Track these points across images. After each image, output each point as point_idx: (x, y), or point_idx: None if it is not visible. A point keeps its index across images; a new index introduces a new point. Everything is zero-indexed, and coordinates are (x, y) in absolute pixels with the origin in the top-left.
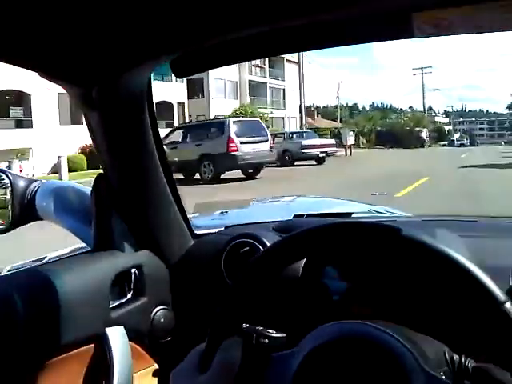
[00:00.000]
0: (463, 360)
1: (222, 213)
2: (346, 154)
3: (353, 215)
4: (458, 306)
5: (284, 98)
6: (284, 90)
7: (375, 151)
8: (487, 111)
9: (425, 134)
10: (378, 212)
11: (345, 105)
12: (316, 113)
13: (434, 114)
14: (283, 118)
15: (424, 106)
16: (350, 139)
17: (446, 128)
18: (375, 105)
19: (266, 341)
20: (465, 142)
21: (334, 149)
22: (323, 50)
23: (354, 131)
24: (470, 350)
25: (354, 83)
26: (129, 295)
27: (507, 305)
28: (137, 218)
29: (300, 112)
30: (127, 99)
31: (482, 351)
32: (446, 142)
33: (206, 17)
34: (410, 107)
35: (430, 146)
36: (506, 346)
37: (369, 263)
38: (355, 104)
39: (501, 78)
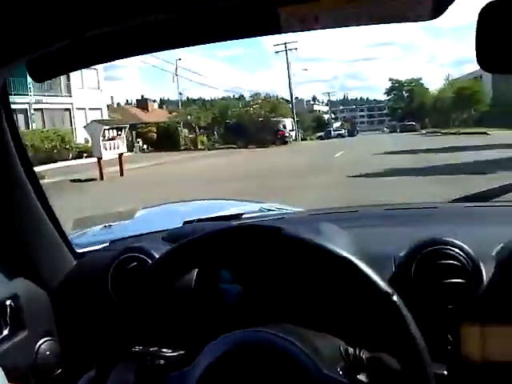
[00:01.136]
0: (357, 352)
1: (105, 227)
2: (101, 178)
3: (243, 216)
4: (347, 300)
5: (68, 80)
6: None
7: (199, 158)
8: (367, 99)
9: (289, 124)
10: (269, 210)
11: (231, 96)
12: (147, 103)
13: (312, 103)
14: (69, 109)
15: (291, 91)
16: (114, 145)
17: (326, 117)
18: (261, 96)
19: (162, 362)
20: (343, 132)
21: None
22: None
23: (123, 128)
24: (364, 341)
25: (241, 75)
26: (5, 331)
27: (394, 297)
28: (6, 243)
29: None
30: None
31: (375, 342)
32: (323, 134)
33: (60, 15)
34: (297, 97)
35: (304, 139)
36: (394, 334)
37: (258, 264)
38: (242, 95)
39: (379, 67)
